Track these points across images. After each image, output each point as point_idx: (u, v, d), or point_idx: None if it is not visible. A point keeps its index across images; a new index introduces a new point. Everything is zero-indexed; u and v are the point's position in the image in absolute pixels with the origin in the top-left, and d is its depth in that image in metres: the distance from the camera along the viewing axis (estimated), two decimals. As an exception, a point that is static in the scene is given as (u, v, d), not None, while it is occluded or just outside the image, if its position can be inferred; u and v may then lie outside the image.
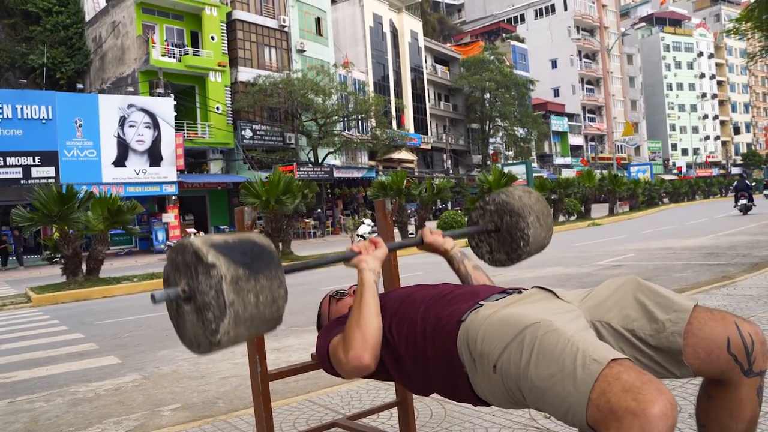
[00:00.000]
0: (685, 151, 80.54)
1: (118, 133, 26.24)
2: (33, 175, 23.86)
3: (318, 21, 38.31)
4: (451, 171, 47.69)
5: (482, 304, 1.59)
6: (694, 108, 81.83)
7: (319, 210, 33.48)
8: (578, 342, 1.30)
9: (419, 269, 11.50)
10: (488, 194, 2.29)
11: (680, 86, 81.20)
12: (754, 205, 24.11)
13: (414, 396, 2.55)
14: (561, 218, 27.13)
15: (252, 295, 1.46)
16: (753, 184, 28.88)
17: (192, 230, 25.39)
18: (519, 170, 29.42)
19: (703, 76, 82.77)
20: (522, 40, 64.17)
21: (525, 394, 1.35)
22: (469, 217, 2.38)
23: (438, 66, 52.92)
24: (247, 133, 32.36)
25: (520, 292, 1.67)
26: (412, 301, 1.75)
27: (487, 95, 50.69)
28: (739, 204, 23.34)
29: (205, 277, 1.44)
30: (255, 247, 1.53)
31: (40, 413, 4.19)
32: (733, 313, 1.53)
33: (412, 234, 20.61)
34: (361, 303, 1.70)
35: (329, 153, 34.43)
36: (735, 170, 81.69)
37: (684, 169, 74.46)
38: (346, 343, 1.65)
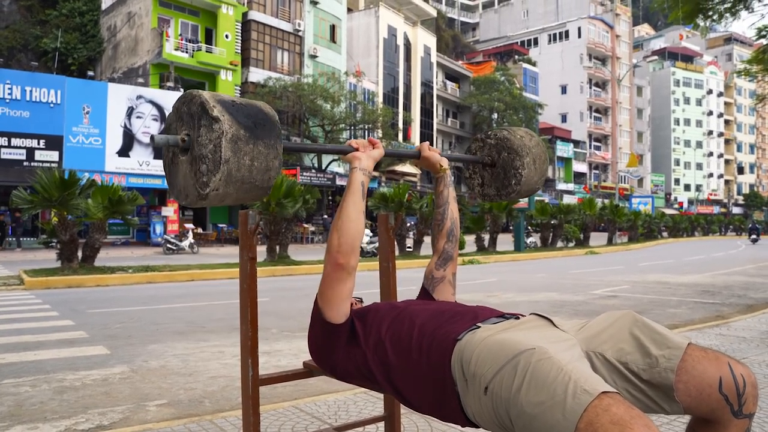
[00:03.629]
0: (687, 187, 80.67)
1: (125, 123, 26.29)
2: (36, 158, 23.88)
3: (333, 28, 38.49)
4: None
5: (479, 326, 1.60)
6: (699, 144, 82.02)
7: (326, 216, 33.47)
8: (571, 371, 1.30)
9: (414, 284, 11.49)
10: (492, 130, 2.35)
11: (687, 122, 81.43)
12: (759, 239, 37.30)
13: (401, 411, 2.54)
14: (559, 244, 27.12)
15: (248, 157, 1.49)
16: (759, 227, 40.78)
17: (190, 225, 25.36)
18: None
19: (711, 113, 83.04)
20: (534, 64, 64.45)
21: (513, 419, 1.35)
22: (469, 147, 2.42)
23: (448, 82, 53.11)
24: (254, 133, 32.37)
25: (517, 318, 1.67)
26: (410, 314, 1.76)
27: (495, 115, 50.86)
28: (751, 237, 37.20)
29: (207, 130, 1.47)
30: (260, 113, 1.56)
31: (25, 398, 4.18)
32: (726, 353, 1.54)
33: (410, 248, 20.61)
34: (341, 207, 1.77)
35: (333, 160, 34.48)
36: (736, 210, 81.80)
37: (685, 205, 74.57)
38: (327, 248, 1.75)
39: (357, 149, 1.91)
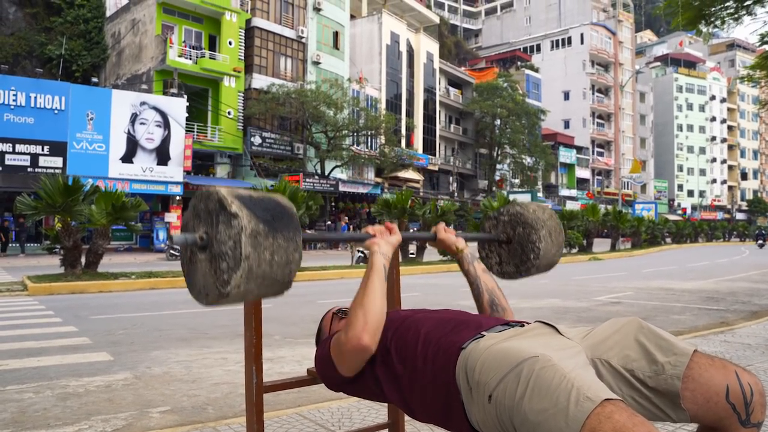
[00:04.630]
0: (691, 193, 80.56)
1: (129, 130, 26.36)
2: (40, 164, 23.96)
3: (336, 35, 38.59)
4: (456, 194, 47.74)
5: (484, 335, 1.60)
6: (702, 150, 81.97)
7: (329, 222, 33.43)
8: (574, 379, 1.30)
9: (417, 290, 11.48)
10: (503, 205, 2.31)
11: (690, 128, 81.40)
12: (766, 244, 40.16)
13: (405, 418, 2.54)
14: (563, 250, 27.06)
15: (268, 252, 1.47)
16: (765, 232, 43.39)
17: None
18: (524, 198, 29.44)
19: (714, 119, 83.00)
20: (536, 70, 64.52)
21: (517, 427, 1.35)
22: (483, 226, 2.39)
23: (451, 89, 53.18)
24: (257, 139, 32.47)
25: (522, 326, 1.67)
26: (415, 323, 1.76)
27: (498, 121, 50.86)
28: (757, 242, 41.15)
29: (226, 227, 1.46)
30: (278, 206, 1.56)
31: (28, 404, 4.17)
32: (732, 361, 1.54)
33: (412, 254, 20.60)
34: (366, 284, 1.71)
35: (336, 166, 34.51)
36: (740, 216, 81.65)
37: (689, 211, 74.44)
38: (348, 323, 1.66)
39: (374, 236, 1.88)
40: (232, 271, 1.44)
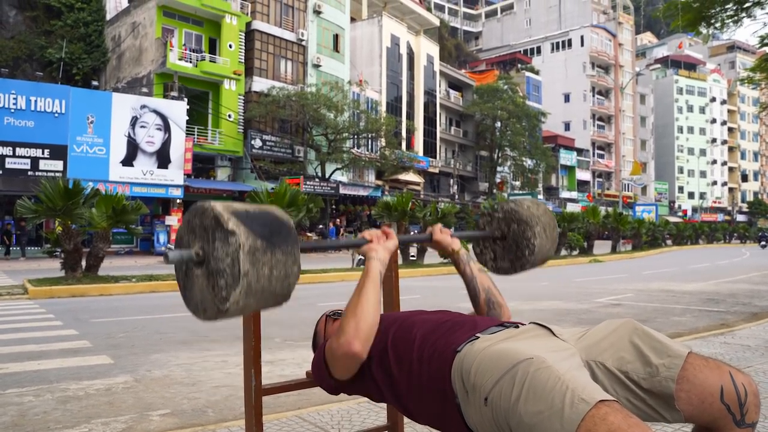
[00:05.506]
0: (691, 195, 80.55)
1: (129, 133, 26.38)
2: (41, 168, 23.99)
3: (336, 37, 38.64)
4: (456, 196, 47.72)
5: (479, 336, 1.60)
6: (703, 152, 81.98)
7: (321, 226, 33.42)
8: (569, 381, 1.31)
9: (417, 293, 11.48)
10: (497, 203, 2.31)
11: (691, 130, 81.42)
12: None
13: (405, 421, 2.54)
14: (563, 252, 27.07)
15: (267, 267, 1.46)
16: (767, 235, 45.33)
17: (194, 235, 25.37)
18: (524, 201, 29.32)
19: (714, 121, 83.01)
20: (537, 72, 64.56)
21: (513, 429, 1.36)
22: (477, 223, 2.39)
23: (451, 91, 53.22)
24: (257, 142, 32.49)
25: (517, 327, 1.68)
26: (411, 325, 1.76)
27: (498, 124, 50.89)
28: (760, 244, 43.95)
29: (223, 244, 1.45)
30: (275, 220, 1.54)
31: (28, 408, 4.18)
32: (728, 362, 1.54)
33: (413, 257, 20.59)
34: (360, 291, 1.71)
35: (337, 169, 34.52)
36: (740, 217, 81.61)
37: (689, 213, 74.42)
38: (339, 330, 1.66)
39: (371, 241, 1.87)
40: (231, 288, 1.43)
